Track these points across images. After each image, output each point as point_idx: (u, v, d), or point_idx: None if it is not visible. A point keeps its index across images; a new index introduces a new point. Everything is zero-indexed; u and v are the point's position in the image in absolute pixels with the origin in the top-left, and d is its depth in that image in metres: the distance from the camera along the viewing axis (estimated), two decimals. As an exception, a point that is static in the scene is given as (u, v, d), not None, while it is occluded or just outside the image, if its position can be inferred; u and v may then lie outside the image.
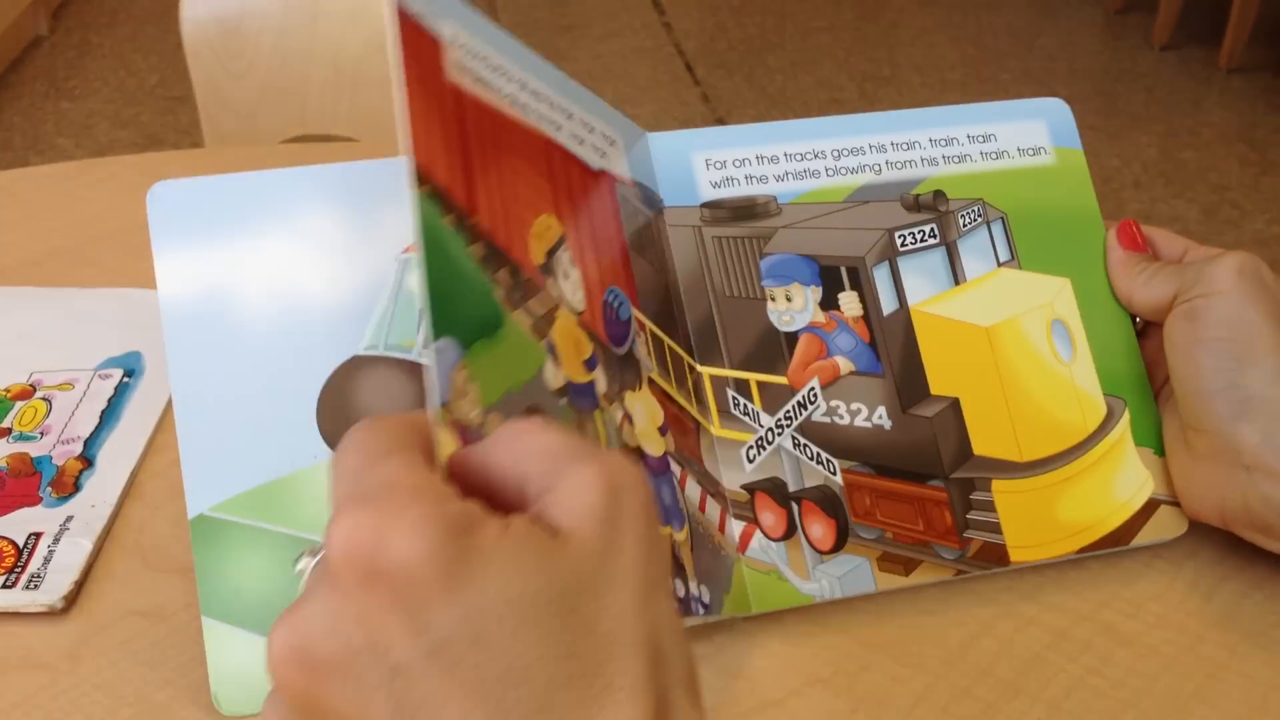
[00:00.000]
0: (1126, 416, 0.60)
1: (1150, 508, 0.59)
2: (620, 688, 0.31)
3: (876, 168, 0.60)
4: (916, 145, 0.61)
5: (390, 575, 0.30)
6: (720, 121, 2.97)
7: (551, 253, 0.51)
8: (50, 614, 0.57)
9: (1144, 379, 0.61)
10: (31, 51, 3.23)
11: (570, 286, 0.52)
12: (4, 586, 0.57)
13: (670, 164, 0.59)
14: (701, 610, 0.53)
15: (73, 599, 0.57)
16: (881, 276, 0.58)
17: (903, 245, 0.58)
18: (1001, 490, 0.57)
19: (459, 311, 0.44)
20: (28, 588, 0.57)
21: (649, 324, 0.56)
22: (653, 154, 0.59)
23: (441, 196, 0.44)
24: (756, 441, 0.57)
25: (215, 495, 0.53)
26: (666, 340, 0.56)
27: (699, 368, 0.57)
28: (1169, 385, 0.59)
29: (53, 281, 0.80)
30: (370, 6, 1.31)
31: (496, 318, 0.46)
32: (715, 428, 0.57)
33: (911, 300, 0.58)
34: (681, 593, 0.53)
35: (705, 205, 0.58)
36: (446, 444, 0.36)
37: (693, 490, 0.55)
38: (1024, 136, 0.62)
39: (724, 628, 0.56)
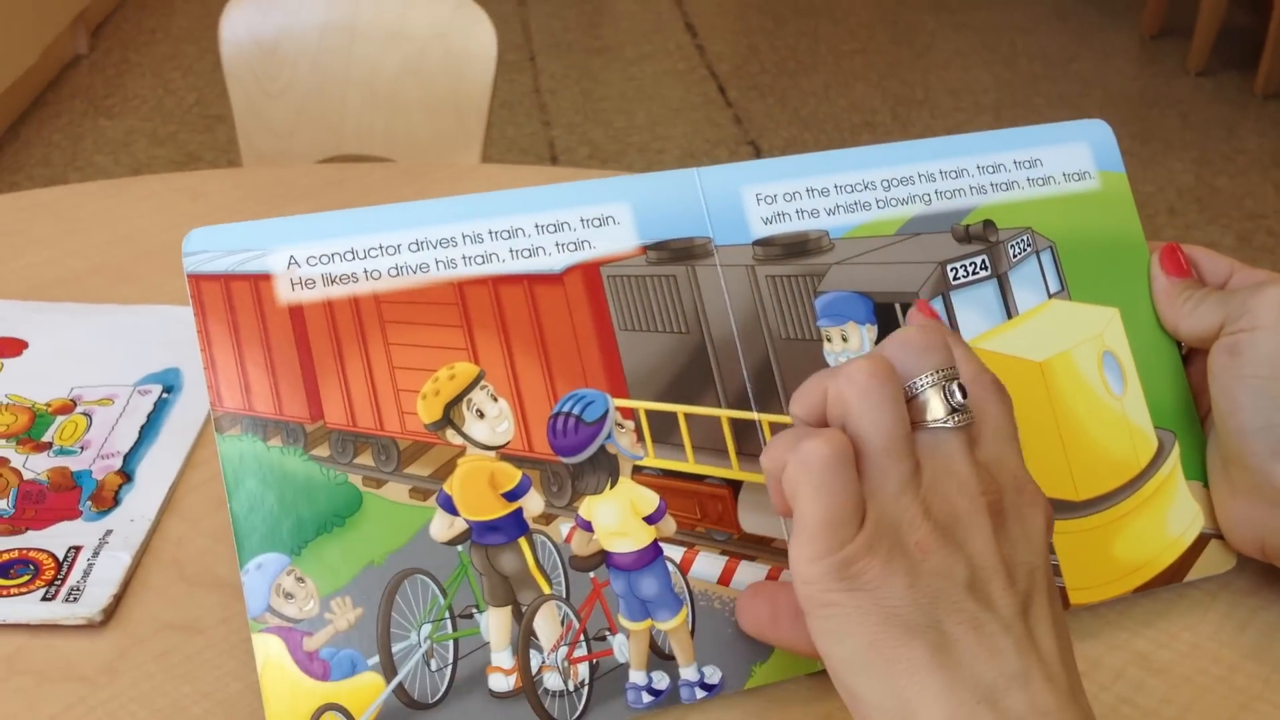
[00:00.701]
0: (1176, 450, 0.59)
1: (1201, 543, 0.59)
2: None
3: (927, 198, 0.60)
4: (965, 173, 0.60)
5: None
6: (753, 144, 2.98)
7: (454, 402, 0.53)
8: (89, 627, 0.57)
9: (1192, 410, 0.60)
10: (71, 70, 3.27)
11: (485, 425, 0.53)
12: (43, 599, 0.58)
13: (720, 201, 0.58)
14: (701, 693, 0.53)
15: (111, 612, 0.58)
16: (936, 312, 0.57)
17: (955, 279, 0.58)
18: (1060, 531, 0.56)
19: (282, 527, 0.51)
20: (67, 601, 0.58)
21: (644, 407, 0.55)
22: (702, 190, 0.58)
23: (265, 425, 0.52)
24: None
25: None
26: (683, 410, 0.55)
27: (758, 416, 0.56)
28: (1212, 415, 0.58)
29: (92, 298, 0.81)
30: (407, 29, 1.32)
31: (348, 506, 0.52)
32: None
33: (966, 336, 0.57)
34: (663, 684, 0.52)
35: (757, 243, 0.57)
36: None
37: (710, 566, 0.54)
38: (1069, 161, 0.62)
39: (755, 650, 0.56)
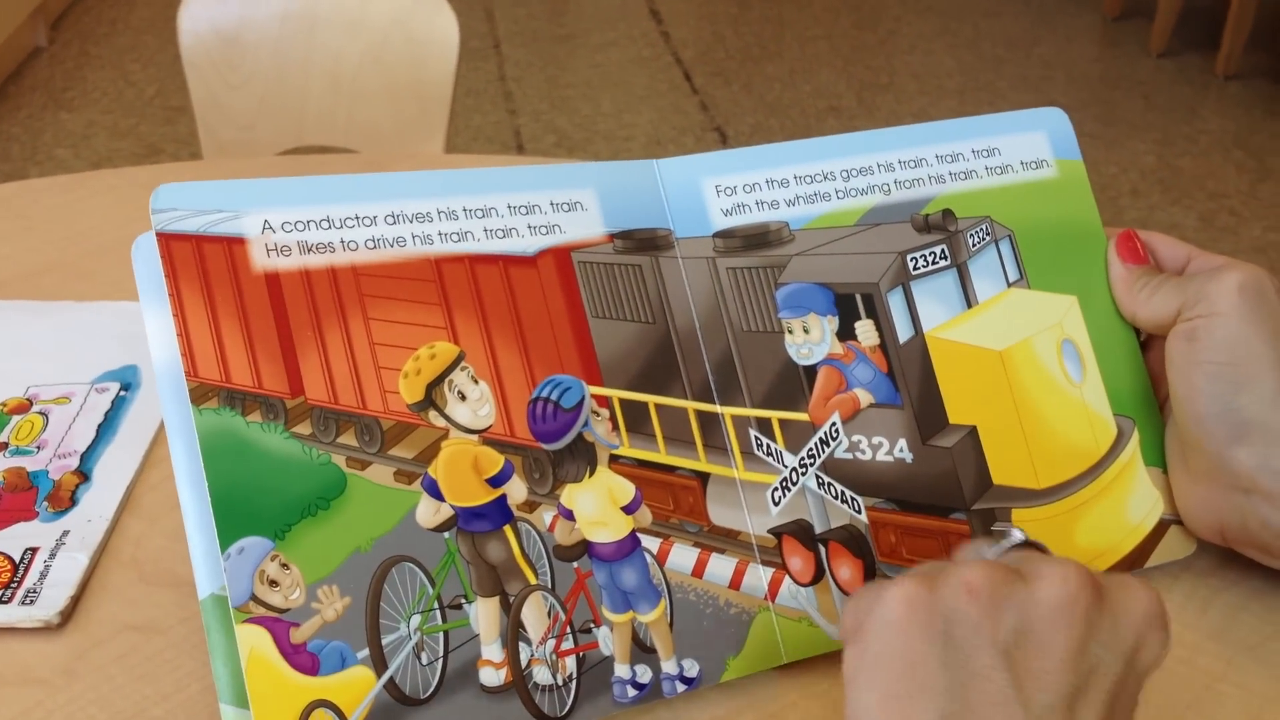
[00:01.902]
0: (1136, 436, 0.60)
1: (1160, 529, 0.59)
2: None
3: (886, 188, 0.60)
4: (924, 163, 0.60)
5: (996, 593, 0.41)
6: (719, 130, 2.98)
7: (436, 382, 0.52)
8: (46, 629, 0.57)
9: (1150, 396, 0.61)
10: (30, 62, 3.23)
11: (467, 408, 0.52)
12: (0, 602, 0.57)
13: (680, 193, 0.58)
14: (682, 687, 0.53)
15: (69, 614, 0.57)
16: (896, 303, 0.57)
17: (915, 268, 0.58)
18: (1021, 519, 0.57)
19: (264, 510, 0.48)
20: (24, 603, 0.57)
21: (617, 395, 0.55)
22: (662, 182, 0.58)
23: (243, 399, 0.49)
24: (781, 483, 0.56)
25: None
26: (654, 400, 0.55)
27: (720, 409, 0.56)
28: (1170, 401, 0.58)
29: (50, 295, 0.80)
30: (368, 17, 1.31)
31: (332, 488, 0.50)
32: (740, 471, 0.56)
33: (926, 326, 0.58)
34: (646, 678, 0.52)
35: (718, 235, 0.57)
36: None
37: (684, 557, 0.54)
38: (1026, 149, 0.62)
39: (720, 641, 0.56)
